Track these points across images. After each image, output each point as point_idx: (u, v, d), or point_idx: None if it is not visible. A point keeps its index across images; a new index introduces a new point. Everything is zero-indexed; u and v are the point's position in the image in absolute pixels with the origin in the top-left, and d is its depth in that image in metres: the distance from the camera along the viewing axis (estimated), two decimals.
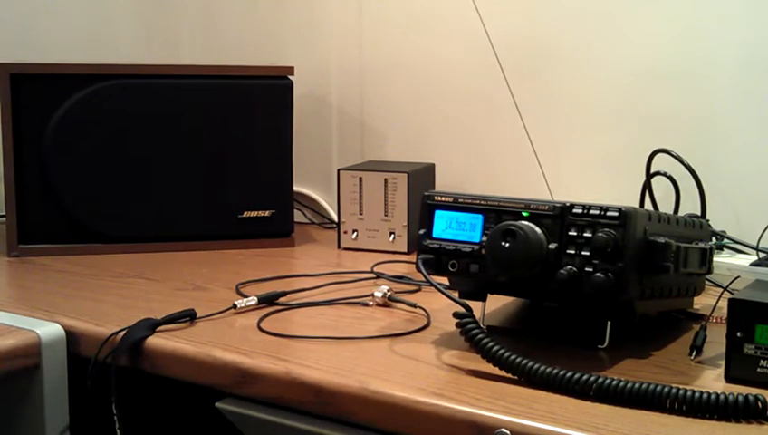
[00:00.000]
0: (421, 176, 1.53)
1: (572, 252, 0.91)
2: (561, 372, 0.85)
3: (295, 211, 1.57)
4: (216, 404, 0.96)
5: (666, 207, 1.33)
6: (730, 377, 0.87)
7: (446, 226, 0.97)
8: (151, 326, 1.03)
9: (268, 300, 1.15)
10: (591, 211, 0.91)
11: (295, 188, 1.56)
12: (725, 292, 1.01)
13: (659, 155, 1.33)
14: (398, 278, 1.28)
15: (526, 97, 1.49)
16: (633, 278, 0.90)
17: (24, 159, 1.42)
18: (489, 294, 1.02)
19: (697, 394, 0.80)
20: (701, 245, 1.00)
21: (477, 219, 0.95)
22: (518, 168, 1.53)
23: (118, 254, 1.43)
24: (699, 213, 1.31)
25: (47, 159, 1.42)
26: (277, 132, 1.50)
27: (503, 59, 1.48)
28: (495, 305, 1.11)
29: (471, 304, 0.94)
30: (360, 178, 1.49)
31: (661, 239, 0.91)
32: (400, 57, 1.65)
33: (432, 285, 0.94)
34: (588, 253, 0.90)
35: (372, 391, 0.87)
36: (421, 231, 0.98)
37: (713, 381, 0.88)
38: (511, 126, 1.50)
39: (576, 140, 1.50)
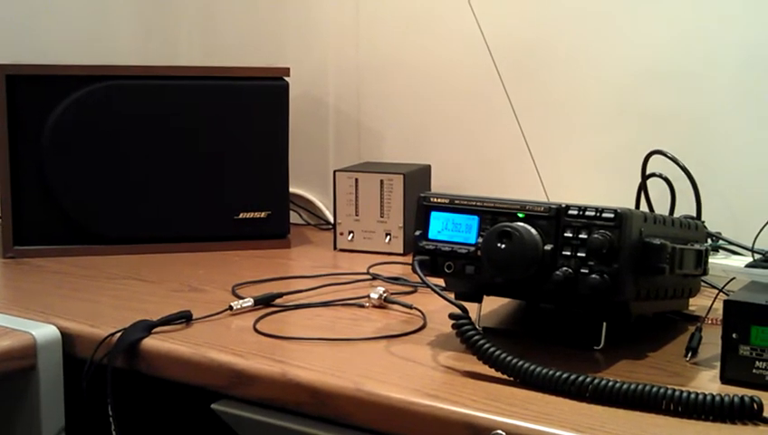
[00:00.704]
0: (417, 177, 1.53)
1: (568, 253, 0.91)
2: (557, 374, 0.85)
3: (291, 212, 1.58)
4: (212, 405, 0.96)
5: (661, 208, 1.33)
6: (725, 378, 0.87)
7: (442, 227, 0.97)
8: (147, 328, 1.03)
9: (264, 301, 1.15)
10: (587, 213, 0.91)
11: (291, 190, 1.56)
12: (721, 293, 1.01)
13: (655, 156, 1.33)
14: (394, 279, 1.28)
15: (523, 98, 1.50)
16: (629, 279, 0.90)
17: (20, 160, 1.42)
18: (485, 296, 1.02)
19: (693, 395, 0.80)
20: (696, 246, 1.00)
21: (473, 221, 0.96)
22: (514, 169, 1.53)
23: (114, 255, 1.43)
24: (695, 214, 1.31)
25: (43, 161, 1.42)
26: (273, 133, 1.50)
27: (499, 59, 1.48)
28: (491, 307, 1.11)
29: (467, 305, 0.94)
30: (357, 180, 1.49)
31: (657, 241, 0.91)
32: (397, 58, 1.65)
33: (428, 286, 0.94)
34: (583, 254, 0.90)
35: (368, 393, 0.87)
36: (417, 232, 0.98)
37: (708, 383, 0.89)
38: (507, 127, 1.50)
39: (572, 141, 1.51)
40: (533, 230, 0.92)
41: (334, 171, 1.51)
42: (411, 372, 0.92)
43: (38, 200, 1.43)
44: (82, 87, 1.42)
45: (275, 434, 0.93)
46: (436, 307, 1.09)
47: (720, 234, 1.31)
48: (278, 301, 1.16)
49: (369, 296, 1.16)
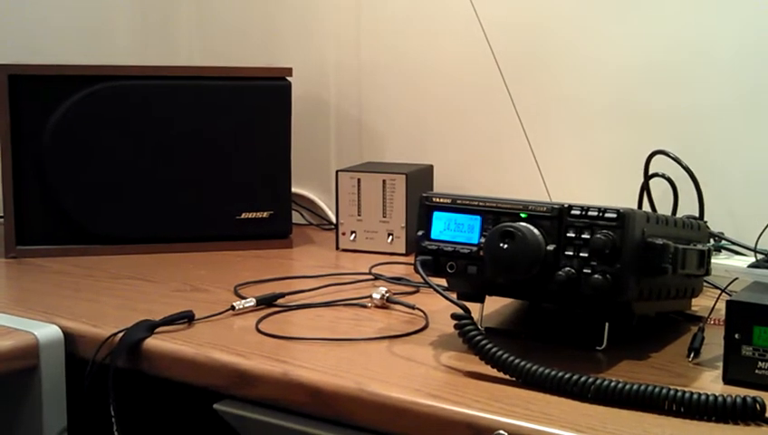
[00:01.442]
0: (419, 177, 1.53)
1: (571, 253, 0.91)
2: (559, 374, 0.85)
3: (294, 212, 1.58)
4: (214, 406, 0.96)
5: (664, 208, 1.33)
6: (728, 379, 0.87)
7: (445, 227, 0.97)
8: (149, 328, 1.03)
9: (266, 301, 1.15)
10: (590, 213, 0.91)
11: (294, 190, 1.56)
12: (723, 293, 1.01)
13: (658, 156, 1.33)
14: (397, 280, 1.28)
15: (525, 98, 1.49)
16: (631, 280, 0.90)
17: (22, 160, 1.42)
18: (487, 296, 1.02)
19: (695, 396, 0.80)
20: (699, 246, 1.00)
21: (475, 221, 0.95)
22: (516, 169, 1.53)
23: (116, 255, 1.43)
24: (697, 214, 1.31)
25: (45, 161, 1.42)
26: (276, 133, 1.50)
27: (502, 59, 1.48)
28: (494, 307, 1.11)
29: (469, 305, 0.94)
30: (359, 180, 1.49)
31: (659, 241, 0.91)
32: (399, 58, 1.65)
33: (430, 286, 0.94)
34: (586, 254, 0.90)
35: (370, 393, 0.87)
36: (419, 232, 0.98)
37: (711, 383, 0.89)
38: (510, 127, 1.50)
39: (574, 141, 1.51)
40: (536, 230, 0.92)
41: (336, 171, 1.51)
42: (413, 373, 0.92)
43: (40, 200, 1.43)
44: (85, 87, 1.42)
45: (277, 434, 0.93)
46: (439, 307, 1.09)
47: (723, 234, 1.31)
48: (280, 301, 1.16)
49: (371, 296, 1.16)
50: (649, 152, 1.33)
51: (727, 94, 1.37)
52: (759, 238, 1.21)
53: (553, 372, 0.85)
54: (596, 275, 0.89)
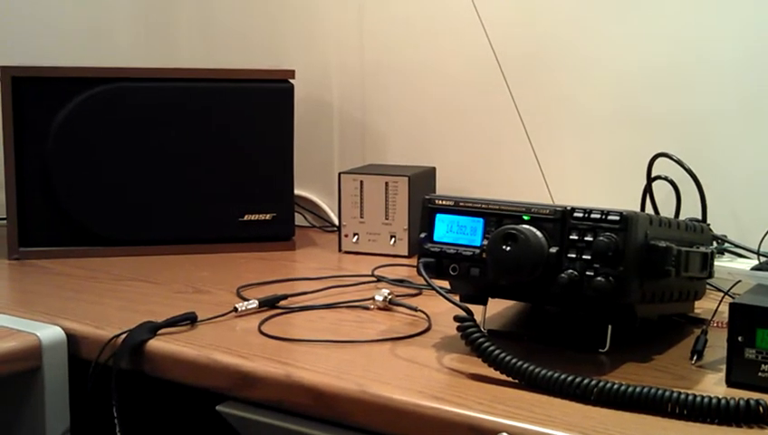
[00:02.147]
0: (422, 179, 1.53)
1: (573, 256, 0.91)
2: (562, 376, 0.85)
3: (296, 214, 1.57)
4: (217, 407, 0.96)
5: (667, 211, 1.33)
6: (731, 381, 0.87)
7: (447, 229, 0.97)
8: (152, 329, 1.03)
9: (269, 303, 1.15)
10: (592, 215, 0.91)
11: (296, 192, 1.57)
12: (726, 296, 1.01)
13: (660, 159, 1.33)
14: (399, 282, 1.28)
15: (527, 101, 1.49)
16: (634, 282, 0.90)
17: (25, 162, 1.42)
18: (490, 298, 1.02)
19: (698, 398, 0.80)
20: (702, 249, 1.00)
21: (478, 223, 0.95)
22: (519, 171, 1.53)
23: (119, 257, 1.43)
24: (700, 217, 1.31)
25: (48, 162, 1.42)
26: (278, 135, 1.50)
27: (504, 62, 1.48)
28: (496, 309, 1.11)
29: (472, 307, 0.94)
30: (361, 182, 1.49)
31: (662, 243, 0.91)
32: (401, 60, 1.65)
33: (433, 288, 0.94)
34: (589, 257, 0.90)
35: (372, 395, 0.87)
36: (422, 235, 0.98)
37: (714, 386, 0.88)
38: (512, 130, 1.50)
39: (577, 143, 1.50)
40: (539, 233, 0.92)
41: (339, 173, 1.52)
42: (416, 375, 0.92)
43: (43, 202, 1.43)
44: (88, 89, 1.42)
45: None
46: (441, 309, 1.09)
47: (726, 237, 1.31)
48: (283, 303, 1.16)
49: (373, 298, 1.16)
50: (652, 155, 1.33)
51: (730, 97, 1.37)
52: (762, 241, 1.21)
53: (556, 375, 0.85)
54: (599, 278, 0.89)
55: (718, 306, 1.00)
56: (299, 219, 1.67)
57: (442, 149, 1.62)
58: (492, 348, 0.88)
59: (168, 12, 1.88)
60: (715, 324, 1.03)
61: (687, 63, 1.40)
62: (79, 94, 1.42)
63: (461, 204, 0.97)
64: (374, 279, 1.30)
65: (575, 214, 0.91)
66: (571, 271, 0.90)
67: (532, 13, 1.52)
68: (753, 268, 1.18)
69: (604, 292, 0.89)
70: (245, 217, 1.49)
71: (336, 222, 1.63)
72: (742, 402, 0.79)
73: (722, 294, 1.04)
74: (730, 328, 0.86)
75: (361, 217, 1.49)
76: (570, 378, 0.84)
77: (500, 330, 1.06)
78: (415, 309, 1.14)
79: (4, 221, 1.44)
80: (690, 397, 0.80)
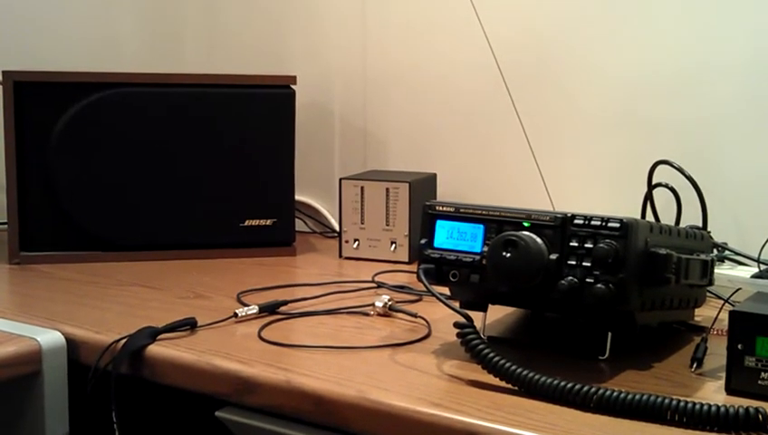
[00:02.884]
0: (423, 186, 1.53)
1: (573, 263, 0.91)
2: (562, 383, 0.85)
3: (297, 220, 1.58)
4: (216, 413, 0.96)
5: (667, 218, 1.33)
6: (731, 389, 0.87)
7: (448, 235, 0.97)
8: (152, 334, 1.03)
9: (269, 309, 1.15)
10: (593, 222, 0.91)
11: (297, 197, 1.57)
12: (726, 304, 1.01)
13: (661, 166, 1.33)
14: (399, 288, 1.28)
15: (528, 108, 1.50)
16: (634, 289, 0.90)
17: (26, 166, 1.42)
18: (490, 305, 1.02)
19: (698, 406, 0.80)
20: (702, 256, 1.00)
21: (478, 229, 0.96)
22: (520, 178, 1.53)
23: (119, 262, 1.43)
24: (700, 224, 1.31)
25: (50, 167, 1.42)
26: (279, 141, 1.50)
27: (505, 70, 1.48)
28: (496, 316, 1.11)
29: (472, 314, 0.94)
30: (362, 188, 1.49)
31: (662, 251, 0.91)
32: (403, 67, 1.65)
33: (433, 294, 0.94)
34: (589, 264, 0.90)
35: (372, 401, 0.87)
36: (422, 241, 0.98)
37: (713, 394, 0.88)
38: (513, 137, 1.50)
39: (578, 150, 1.51)
40: (539, 239, 0.92)
41: (340, 179, 1.52)
42: (415, 381, 0.92)
43: (44, 207, 1.43)
44: (90, 94, 1.42)
45: None
46: (441, 316, 1.09)
47: (726, 244, 1.31)
48: (283, 308, 1.16)
49: (373, 305, 1.16)
50: (653, 162, 1.33)
51: (731, 104, 1.37)
52: (762, 249, 1.21)
53: (556, 382, 0.85)
54: (599, 285, 0.89)
55: (718, 314, 1.00)
56: (299, 225, 1.67)
57: (443, 155, 1.62)
58: (491, 355, 0.88)
59: (173, 19, 1.89)
60: (714, 332, 1.03)
61: (689, 71, 1.40)
62: (81, 99, 1.42)
63: (461, 210, 0.97)
64: (374, 285, 1.30)
65: (575, 221, 0.91)
66: (570, 278, 0.90)
67: (534, 19, 1.52)
68: (753, 276, 1.18)
69: (604, 299, 0.89)
70: (246, 223, 1.50)
71: (337, 228, 1.63)
72: (741, 410, 0.79)
73: (722, 302, 1.04)
74: (730, 336, 0.86)
75: (362, 223, 1.49)
76: (569, 385, 0.84)
77: (500, 336, 1.06)
78: (415, 315, 1.14)
79: (6, 225, 1.44)
80: (690, 405, 0.80)
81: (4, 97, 1.40)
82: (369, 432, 0.87)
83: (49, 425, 1.04)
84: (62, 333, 1.06)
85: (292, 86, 1.51)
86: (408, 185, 1.47)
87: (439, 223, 0.98)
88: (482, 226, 0.95)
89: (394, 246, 1.48)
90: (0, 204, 1.47)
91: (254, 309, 1.14)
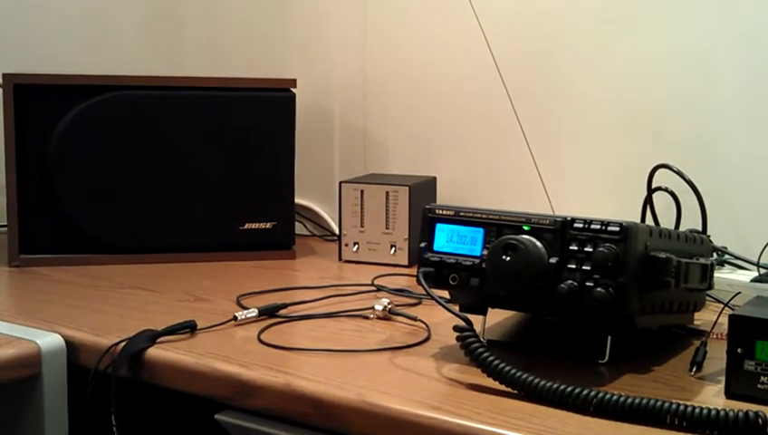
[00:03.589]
0: (422, 189, 1.53)
1: (573, 266, 0.91)
2: (561, 387, 0.85)
3: (296, 223, 1.58)
4: (216, 416, 0.96)
5: (667, 222, 1.33)
6: (730, 393, 0.87)
7: (447, 239, 0.97)
8: (151, 337, 1.03)
9: (269, 312, 1.15)
10: (592, 226, 0.91)
11: (297, 201, 1.57)
12: (726, 308, 1.01)
13: (661, 170, 1.33)
14: (399, 291, 1.28)
15: (528, 111, 1.50)
16: (634, 293, 0.90)
17: (26, 168, 1.42)
18: (490, 308, 1.02)
19: (697, 410, 0.80)
20: (702, 260, 1.00)
21: (478, 233, 0.96)
22: (519, 182, 1.53)
23: (119, 265, 1.43)
24: (700, 228, 1.31)
25: (50, 170, 1.42)
26: (279, 144, 1.50)
27: (505, 74, 1.49)
28: (496, 319, 1.11)
29: (471, 317, 0.94)
30: (362, 191, 1.49)
31: (662, 254, 0.91)
32: (403, 70, 1.65)
33: (432, 298, 0.94)
34: (588, 267, 0.90)
35: (372, 404, 0.87)
36: (422, 244, 0.98)
37: (713, 397, 0.88)
38: (513, 140, 1.50)
39: (577, 154, 1.51)
40: (539, 243, 0.92)
41: (340, 183, 1.52)
42: (415, 384, 0.92)
43: (44, 209, 1.43)
44: (90, 97, 1.42)
45: None
46: (441, 319, 1.09)
47: (726, 248, 1.31)
48: (283, 312, 1.16)
49: (373, 308, 1.16)
50: (653, 166, 1.33)
51: (730, 108, 1.38)
52: (762, 253, 1.21)
53: (555, 385, 0.85)
54: (598, 289, 0.89)
55: (718, 318, 1.00)
56: (299, 228, 1.67)
57: (443, 158, 1.62)
58: (491, 358, 0.88)
59: (173, 21, 1.89)
60: (714, 336, 1.03)
61: (688, 75, 1.40)
62: (81, 102, 1.42)
63: (461, 214, 0.97)
64: (374, 288, 1.30)
65: (575, 224, 0.91)
66: (570, 281, 0.90)
67: (534, 23, 1.52)
68: (752, 280, 1.18)
69: (604, 303, 0.89)
70: (246, 226, 1.50)
71: (336, 231, 1.63)
72: (741, 414, 0.79)
73: (721, 306, 1.04)
74: (729, 340, 0.86)
75: (362, 227, 1.49)
76: (569, 389, 0.84)
77: (499, 340, 1.05)
78: (414, 319, 1.14)
79: (5, 228, 1.44)
80: (689, 409, 0.80)
81: (5, 100, 1.40)
82: None
83: (48, 428, 1.04)
84: (62, 336, 1.06)
85: (293, 89, 1.51)
86: (407, 188, 1.47)
87: (439, 226, 0.98)
88: (481, 229, 0.95)
89: (394, 249, 1.48)
90: (0, 206, 1.47)
91: (253, 312, 1.14)
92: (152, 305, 1.21)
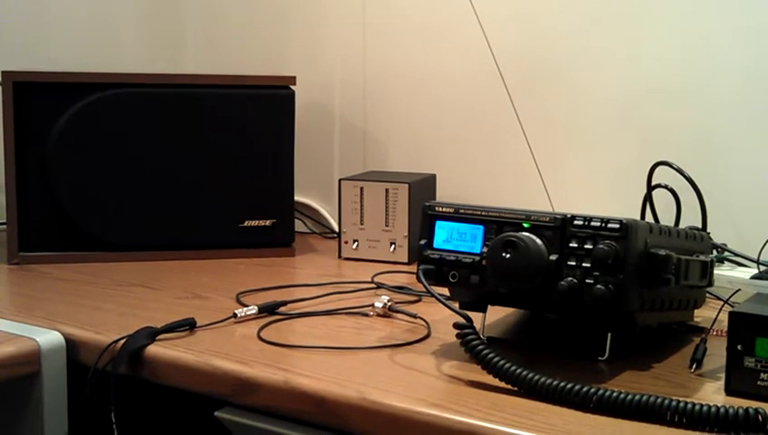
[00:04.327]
0: (422, 186, 1.53)
1: (573, 263, 0.91)
2: (561, 384, 0.85)
3: (296, 221, 1.58)
4: (215, 413, 0.96)
5: (667, 219, 1.33)
6: (730, 390, 0.87)
7: (447, 236, 0.97)
8: (151, 335, 1.03)
9: (268, 309, 1.15)
10: (592, 223, 0.91)
11: (296, 198, 1.57)
12: (726, 305, 1.01)
13: (660, 167, 1.33)
14: (399, 289, 1.28)
15: (528, 109, 1.50)
16: (634, 290, 0.90)
17: (26, 166, 1.42)
18: (489, 305, 1.02)
19: (697, 407, 0.80)
20: (702, 257, 1.00)
21: (478, 230, 0.96)
22: (519, 179, 1.53)
23: (118, 262, 1.43)
24: (700, 226, 1.31)
25: (49, 167, 1.42)
26: (279, 141, 1.50)
27: (505, 72, 1.48)
28: (496, 316, 1.11)
29: (471, 314, 0.94)
30: (362, 189, 1.49)
31: (662, 252, 0.91)
32: (403, 68, 1.65)
33: (432, 295, 0.94)
34: (588, 265, 0.90)
35: (371, 402, 0.87)
36: (422, 241, 0.98)
37: (713, 394, 0.88)
38: (513, 138, 1.50)
39: (578, 152, 1.51)
40: (539, 240, 0.92)
41: (339, 180, 1.52)
42: (415, 382, 0.92)
43: (43, 207, 1.43)
44: (89, 94, 1.42)
45: None
46: (441, 316, 1.09)
47: (725, 245, 1.31)
48: (282, 309, 1.16)
49: (373, 305, 1.16)
50: (652, 163, 1.33)
51: (730, 105, 1.38)
52: (762, 250, 1.21)
53: (555, 382, 0.85)
54: (598, 286, 0.89)
55: (718, 315, 1.00)
56: (299, 225, 1.67)
57: (443, 156, 1.62)
58: (491, 355, 0.88)
59: (173, 19, 1.89)
60: (714, 333, 1.03)
61: (688, 73, 1.40)
62: (80, 99, 1.42)
63: (461, 211, 0.97)
64: (374, 286, 1.30)
65: (575, 222, 0.91)
66: (570, 279, 0.90)
67: (535, 23, 1.52)
68: (752, 277, 1.18)
69: (604, 300, 0.89)
70: (245, 223, 1.50)
71: (336, 228, 1.63)
72: (741, 411, 0.79)
73: (721, 303, 1.04)
74: (729, 337, 0.86)
75: (361, 224, 1.49)
76: (569, 386, 0.84)
77: (499, 337, 1.06)
78: (414, 316, 1.14)
79: (4, 226, 1.44)
80: (689, 405, 0.80)
81: (4, 97, 1.39)
82: (368, 433, 0.87)
83: (48, 425, 1.04)
84: (62, 334, 1.06)
85: (292, 87, 1.51)
86: (407, 186, 1.47)
87: (439, 224, 0.98)
88: (481, 226, 0.95)
89: (393, 246, 1.48)
90: None
91: (253, 309, 1.14)
92: (152, 303, 1.21)
